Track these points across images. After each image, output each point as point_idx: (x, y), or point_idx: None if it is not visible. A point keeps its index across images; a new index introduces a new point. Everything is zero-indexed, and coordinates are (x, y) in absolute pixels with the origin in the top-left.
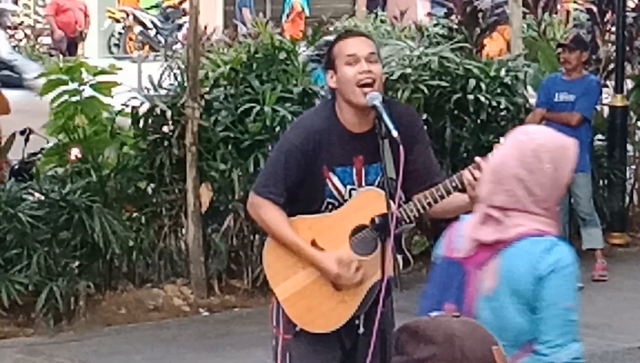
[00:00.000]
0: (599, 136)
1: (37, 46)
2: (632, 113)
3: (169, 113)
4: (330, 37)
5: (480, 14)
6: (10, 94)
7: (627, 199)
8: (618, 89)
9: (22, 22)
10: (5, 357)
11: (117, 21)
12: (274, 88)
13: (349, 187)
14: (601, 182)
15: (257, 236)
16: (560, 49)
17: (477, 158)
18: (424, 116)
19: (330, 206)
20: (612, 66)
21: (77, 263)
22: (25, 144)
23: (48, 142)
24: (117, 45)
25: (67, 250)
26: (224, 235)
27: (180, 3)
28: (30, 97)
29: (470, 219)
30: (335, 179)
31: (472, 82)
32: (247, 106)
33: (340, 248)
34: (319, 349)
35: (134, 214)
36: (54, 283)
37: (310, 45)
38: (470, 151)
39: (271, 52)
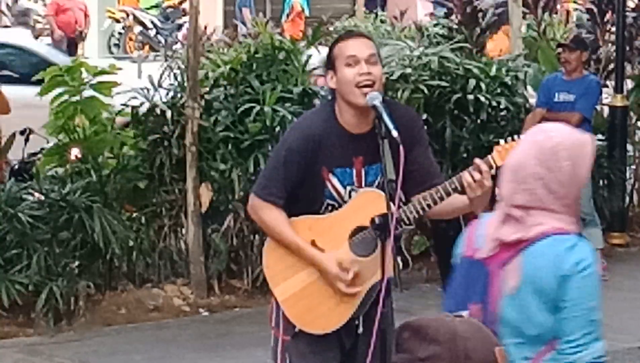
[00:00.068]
0: (599, 136)
1: None
2: (632, 113)
3: (169, 113)
4: None
5: (480, 14)
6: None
7: (627, 199)
8: (618, 89)
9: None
10: (5, 357)
11: (117, 21)
12: (274, 88)
13: (348, 188)
14: (601, 182)
15: (257, 236)
16: (560, 49)
17: (477, 160)
18: (424, 116)
19: (330, 208)
20: (612, 66)
21: (77, 263)
22: (25, 144)
23: (48, 142)
24: (117, 45)
25: (67, 250)
26: (224, 235)
27: (180, 3)
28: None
29: (491, 219)
30: (335, 181)
31: (472, 82)
32: (247, 106)
33: (340, 248)
34: (319, 350)
35: (134, 214)
36: (54, 283)
37: (310, 45)
38: (470, 151)
39: (271, 52)
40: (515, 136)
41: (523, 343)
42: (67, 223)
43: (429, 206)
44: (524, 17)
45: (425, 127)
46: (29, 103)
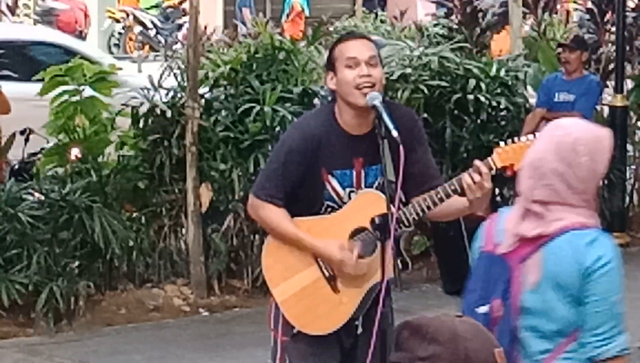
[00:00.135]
0: None
1: None
2: (632, 113)
3: (169, 113)
4: None
5: (480, 14)
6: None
7: (627, 199)
8: (618, 89)
9: (22, 22)
10: (5, 357)
11: (117, 21)
12: (274, 88)
13: (348, 190)
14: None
15: (257, 236)
16: (560, 49)
17: (477, 162)
18: (424, 116)
19: (329, 209)
20: (612, 66)
21: (77, 263)
22: (25, 144)
23: (48, 142)
24: (117, 45)
25: (67, 250)
26: (224, 235)
27: (180, 3)
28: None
29: (511, 214)
30: (335, 182)
31: (472, 82)
32: (247, 106)
33: None
34: (318, 350)
35: (134, 214)
36: (54, 283)
37: (310, 45)
38: (470, 151)
39: (271, 52)
40: (516, 138)
41: (544, 337)
42: (67, 223)
43: (428, 207)
44: (524, 17)
45: (425, 127)
46: None
